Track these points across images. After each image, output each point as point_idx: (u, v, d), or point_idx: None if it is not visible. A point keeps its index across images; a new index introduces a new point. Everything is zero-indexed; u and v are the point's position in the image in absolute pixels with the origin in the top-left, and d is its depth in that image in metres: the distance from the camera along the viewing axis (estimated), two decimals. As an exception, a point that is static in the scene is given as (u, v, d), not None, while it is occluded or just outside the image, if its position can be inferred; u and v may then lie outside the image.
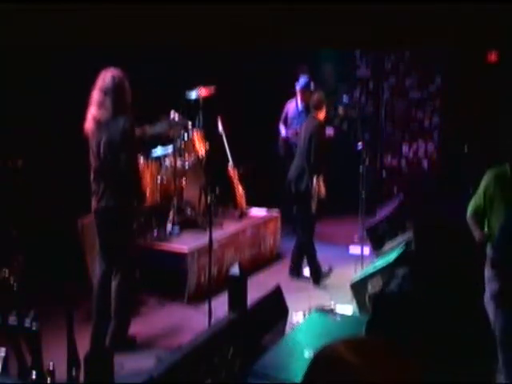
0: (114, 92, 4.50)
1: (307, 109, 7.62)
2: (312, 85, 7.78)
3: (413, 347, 2.41)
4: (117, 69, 4.62)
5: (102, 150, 4.52)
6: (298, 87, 7.78)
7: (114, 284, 4.70)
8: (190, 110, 6.76)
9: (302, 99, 7.76)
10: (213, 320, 4.80)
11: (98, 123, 4.53)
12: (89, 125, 4.58)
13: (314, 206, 6.35)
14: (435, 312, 2.53)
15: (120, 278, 4.68)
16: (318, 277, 6.45)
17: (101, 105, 4.51)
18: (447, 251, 2.76)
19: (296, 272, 6.61)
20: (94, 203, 4.65)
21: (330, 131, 7.59)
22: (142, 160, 6.20)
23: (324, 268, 6.56)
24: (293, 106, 7.97)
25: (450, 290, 2.61)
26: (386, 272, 4.98)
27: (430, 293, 2.59)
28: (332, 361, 1.19)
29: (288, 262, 6.72)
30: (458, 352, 2.40)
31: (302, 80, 7.79)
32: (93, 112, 4.54)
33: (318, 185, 6.36)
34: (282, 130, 8.03)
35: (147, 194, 6.10)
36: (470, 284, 2.76)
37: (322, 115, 6.50)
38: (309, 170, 6.32)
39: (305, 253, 6.56)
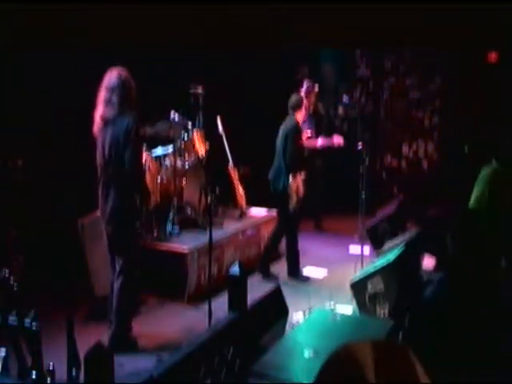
0: (120, 89, 4.51)
1: (314, 112, 7.95)
2: (316, 87, 7.93)
3: (446, 356, 2.39)
4: (122, 67, 4.64)
5: (107, 149, 4.52)
6: (303, 92, 7.94)
7: (115, 285, 4.69)
8: (190, 110, 6.76)
9: (309, 103, 7.92)
10: (213, 320, 4.80)
11: (105, 121, 4.54)
12: (97, 124, 4.59)
13: (292, 206, 6.39)
14: (471, 320, 2.51)
15: (122, 279, 4.67)
16: (294, 272, 6.54)
17: (107, 103, 4.53)
18: (485, 257, 2.74)
19: (295, 273, 6.61)
20: (100, 203, 4.65)
21: (339, 140, 7.78)
22: (148, 158, 6.18)
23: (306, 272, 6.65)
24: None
25: (488, 297, 2.59)
26: (386, 272, 4.98)
27: (468, 300, 2.56)
28: (345, 359, 1.19)
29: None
30: (494, 361, 2.39)
31: (306, 84, 7.94)
32: (100, 111, 4.57)
33: (296, 184, 6.41)
34: None
35: (151, 194, 6.09)
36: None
37: (299, 116, 6.60)
38: (285, 169, 6.38)
39: (266, 246, 6.66)
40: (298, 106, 6.57)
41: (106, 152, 4.53)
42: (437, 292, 2.69)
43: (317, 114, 8.16)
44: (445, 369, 2.22)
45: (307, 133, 7.90)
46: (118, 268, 4.68)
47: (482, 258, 2.74)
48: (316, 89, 7.88)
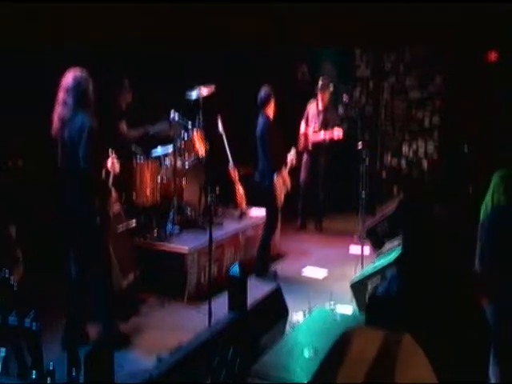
0: (75, 90, 4.53)
1: (326, 108, 8.17)
2: (331, 86, 8.16)
3: None
4: (80, 68, 4.64)
5: (65, 149, 4.56)
6: (318, 89, 8.16)
7: (92, 285, 4.72)
8: (190, 110, 6.76)
9: (322, 99, 8.18)
10: (213, 320, 4.80)
11: (62, 122, 4.57)
12: (55, 124, 4.62)
13: (279, 202, 6.40)
14: (421, 313, 2.52)
15: (97, 281, 4.70)
16: (261, 270, 6.43)
17: (63, 103, 4.56)
18: (434, 251, 2.76)
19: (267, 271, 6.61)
20: (62, 203, 4.64)
21: (339, 132, 8.05)
22: (142, 159, 6.21)
23: (272, 269, 6.59)
24: (313, 106, 8.31)
25: (436, 291, 2.60)
26: (386, 272, 4.99)
27: (416, 294, 2.58)
28: (344, 343, 1.19)
29: (288, 262, 6.72)
30: (447, 352, 2.40)
31: (321, 82, 8.15)
32: (57, 111, 4.60)
33: (282, 178, 6.41)
34: (302, 128, 8.31)
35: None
36: (458, 284, 2.75)
37: (270, 111, 6.45)
38: (268, 166, 6.36)
39: (260, 245, 6.57)
40: (266, 101, 6.42)
41: (64, 151, 4.56)
42: (388, 287, 2.70)
43: (327, 111, 8.23)
44: None
45: (314, 127, 8.10)
46: (78, 267, 4.71)
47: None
48: (331, 87, 8.06)
